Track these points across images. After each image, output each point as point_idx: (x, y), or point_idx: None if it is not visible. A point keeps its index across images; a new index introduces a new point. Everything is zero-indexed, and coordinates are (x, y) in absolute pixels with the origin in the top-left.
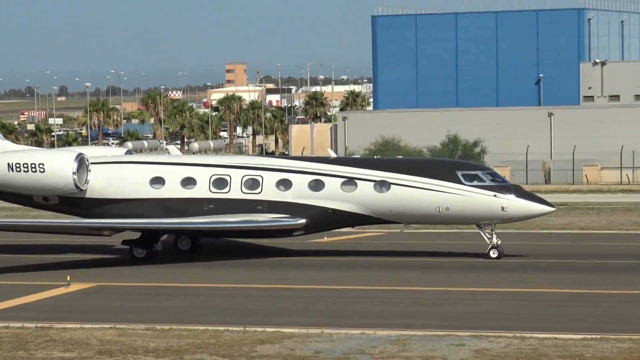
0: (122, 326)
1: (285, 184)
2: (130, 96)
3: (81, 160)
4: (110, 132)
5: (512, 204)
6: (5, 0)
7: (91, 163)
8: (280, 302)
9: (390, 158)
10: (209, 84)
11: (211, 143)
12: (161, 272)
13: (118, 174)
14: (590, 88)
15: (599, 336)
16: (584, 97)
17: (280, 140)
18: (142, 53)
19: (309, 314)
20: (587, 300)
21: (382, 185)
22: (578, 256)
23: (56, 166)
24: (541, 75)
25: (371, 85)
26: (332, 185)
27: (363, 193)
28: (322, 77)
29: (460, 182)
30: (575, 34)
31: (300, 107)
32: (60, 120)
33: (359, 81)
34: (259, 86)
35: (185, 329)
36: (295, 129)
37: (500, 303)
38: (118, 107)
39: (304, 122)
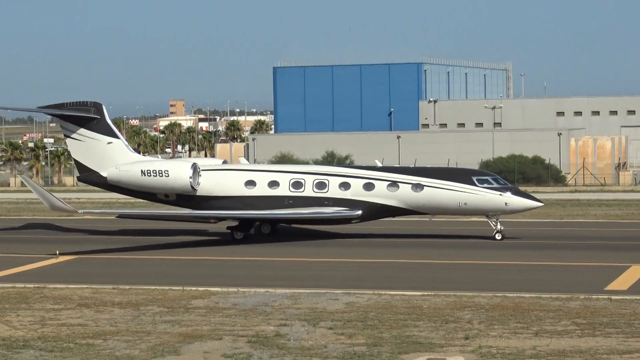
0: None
1: (345, 186)
2: None
3: (195, 168)
4: None
5: (513, 200)
6: None
7: (202, 170)
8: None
9: (423, 167)
10: (157, 114)
11: (159, 157)
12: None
13: (222, 178)
14: (426, 118)
15: (432, 293)
16: (422, 125)
17: (208, 155)
18: (109, 91)
19: (232, 278)
20: (445, 267)
21: (417, 186)
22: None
23: (178, 172)
24: (392, 109)
25: (273, 115)
26: (381, 186)
27: (403, 192)
28: (237, 109)
29: (475, 185)
30: (416, 81)
31: (222, 131)
32: (52, 140)
33: (264, 113)
34: (193, 116)
35: (142, 288)
36: (219, 147)
37: (392, 270)
38: None
39: (225, 142)
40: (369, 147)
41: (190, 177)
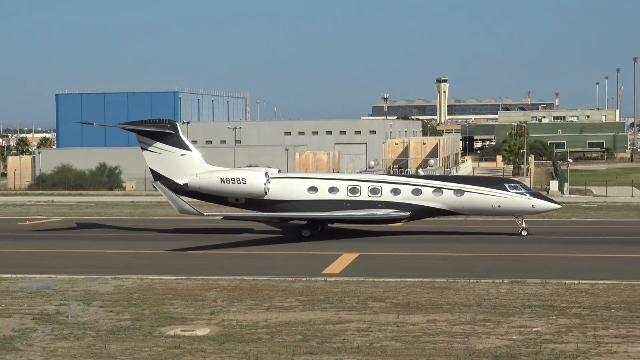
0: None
1: (396, 191)
2: None
3: (267, 176)
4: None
5: (538, 202)
6: None
7: (270, 177)
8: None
9: (462, 175)
10: None
11: None
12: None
13: (288, 184)
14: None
15: (185, 277)
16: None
17: (1, 166)
18: None
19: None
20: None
21: (459, 192)
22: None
23: (254, 179)
24: None
25: (56, 133)
26: (427, 191)
27: (447, 197)
28: (26, 128)
29: (507, 190)
30: (172, 106)
31: (13, 146)
32: None
33: (49, 131)
34: None
35: None
36: (10, 159)
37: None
38: None
39: (15, 154)
40: (134, 160)
41: (265, 184)
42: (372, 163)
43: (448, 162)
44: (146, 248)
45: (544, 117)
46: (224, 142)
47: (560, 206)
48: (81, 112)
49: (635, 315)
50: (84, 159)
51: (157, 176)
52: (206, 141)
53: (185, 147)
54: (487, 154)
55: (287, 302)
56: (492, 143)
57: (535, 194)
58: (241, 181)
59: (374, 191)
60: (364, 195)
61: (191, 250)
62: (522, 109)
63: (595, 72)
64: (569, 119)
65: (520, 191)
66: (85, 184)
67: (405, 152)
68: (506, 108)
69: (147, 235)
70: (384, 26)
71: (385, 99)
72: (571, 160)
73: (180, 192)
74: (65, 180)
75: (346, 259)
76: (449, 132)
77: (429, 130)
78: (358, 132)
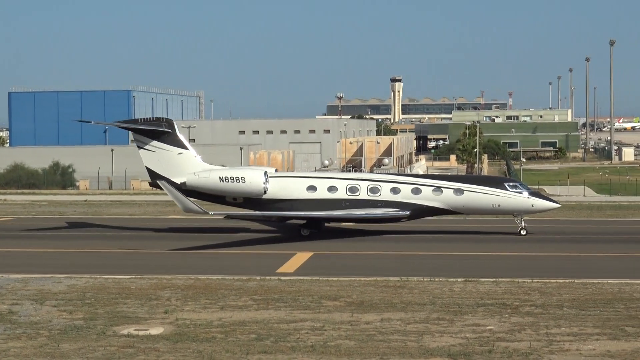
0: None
1: (395, 190)
2: None
3: (266, 174)
4: None
5: (537, 202)
6: None
7: (270, 176)
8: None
9: (463, 175)
10: None
11: None
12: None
13: (286, 183)
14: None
15: (139, 276)
16: (131, 140)
17: None
18: None
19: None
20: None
21: (459, 191)
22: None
23: (253, 179)
24: (107, 128)
25: (8, 132)
26: (427, 190)
27: (446, 196)
28: None
29: (506, 189)
30: (126, 105)
31: None
32: None
33: (1, 129)
34: None
35: None
36: None
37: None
38: None
39: None
40: (88, 159)
41: (264, 183)
42: (327, 162)
43: (402, 161)
44: (100, 247)
45: (497, 116)
46: None
47: (560, 205)
48: (34, 110)
49: (587, 313)
50: (37, 158)
51: (153, 175)
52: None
53: (182, 146)
54: (441, 153)
55: (241, 301)
56: (446, 142)
57: (534, 194)
58: (240, 180)
59: (374, 190)
60: (364, 195)
61: (140, 249)
62: (475, 108)
63: (548, 72)
64: (522, 118)
65: (519, 190)
66: (38, 183)
67: (360, 151)
68: (460, 108)
69: (100, 234)
70: (339, 25)
71: (340, 99)
72: (524, 160)
73: (179, 191)
74: (17, 179)
75: (300, 258)
76: (403, 132)
77: (383, 129)
78: (312, 132)
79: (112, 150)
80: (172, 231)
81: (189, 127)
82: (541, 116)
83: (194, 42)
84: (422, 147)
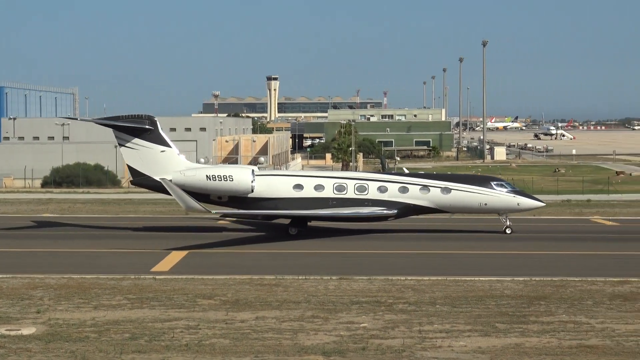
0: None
1: (382, 189)
2: None
3: (253, 173)
4: None
5: (523, 201)
6: None
7: (256, 175)
8: None
9: (450, 174)
10: None
11: None
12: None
13: (273, 182)
14: (7, 132)
15: (10, 275)
16: (4, 137)
17: None
18: None
19: None
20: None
21: (446, 190)
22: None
23: (241, 177)
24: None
25: None
26: (414, 189)
27: (434, 194)
28: None
29: (493, 188)
30: None
31: None
32: None
33: None
34: None
35: None
36: None
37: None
38: None
39: None
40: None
41: (252, 182)
42: (202, 160)
43: (278, 159)
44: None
45: (372, 115)
46: (52, 138)
47: (545, 204)
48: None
49: (459, 310)
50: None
51: (135, 173)
52: (33, 137)
53: (165, 144)
54: (316, 152)
55: (115, 301)
56: (322, 141)
57: (520, 192)
58: (228, 178)
59: (361, 189)
60: (351, 193)
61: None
62: (351, 107)
63: (423, 72)
64: (397, 117)
65: (505, 189)
66: None
67: (236, 149)
68: (335, 106)
69: None
70: (214, 23)
71: (216, 96)
72: (399, 159)
73: (158, 190)
74: None
75: (175, 256)
76: (279, 130)
77: (259, 128)
78: (188, 129)
79: None
80: (46, 228)
81: (63, 124)
82: (415, 115)
83: (67, 38)
84: (298, 146)
